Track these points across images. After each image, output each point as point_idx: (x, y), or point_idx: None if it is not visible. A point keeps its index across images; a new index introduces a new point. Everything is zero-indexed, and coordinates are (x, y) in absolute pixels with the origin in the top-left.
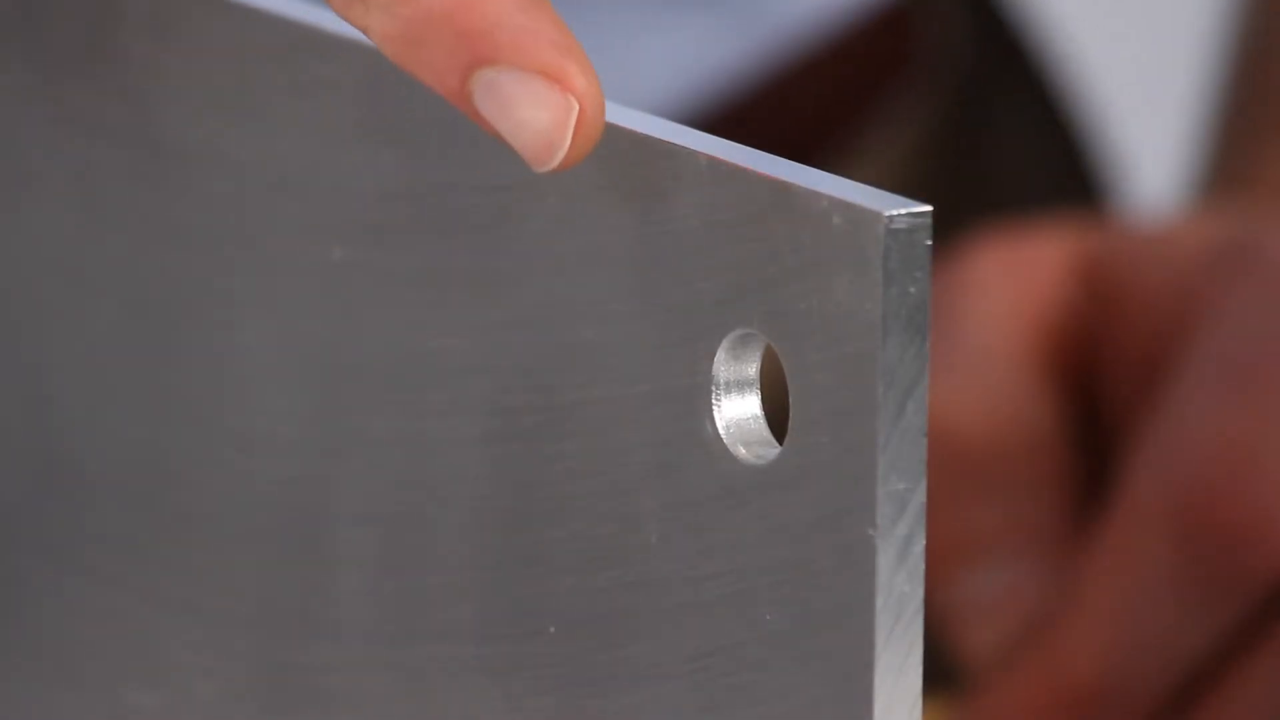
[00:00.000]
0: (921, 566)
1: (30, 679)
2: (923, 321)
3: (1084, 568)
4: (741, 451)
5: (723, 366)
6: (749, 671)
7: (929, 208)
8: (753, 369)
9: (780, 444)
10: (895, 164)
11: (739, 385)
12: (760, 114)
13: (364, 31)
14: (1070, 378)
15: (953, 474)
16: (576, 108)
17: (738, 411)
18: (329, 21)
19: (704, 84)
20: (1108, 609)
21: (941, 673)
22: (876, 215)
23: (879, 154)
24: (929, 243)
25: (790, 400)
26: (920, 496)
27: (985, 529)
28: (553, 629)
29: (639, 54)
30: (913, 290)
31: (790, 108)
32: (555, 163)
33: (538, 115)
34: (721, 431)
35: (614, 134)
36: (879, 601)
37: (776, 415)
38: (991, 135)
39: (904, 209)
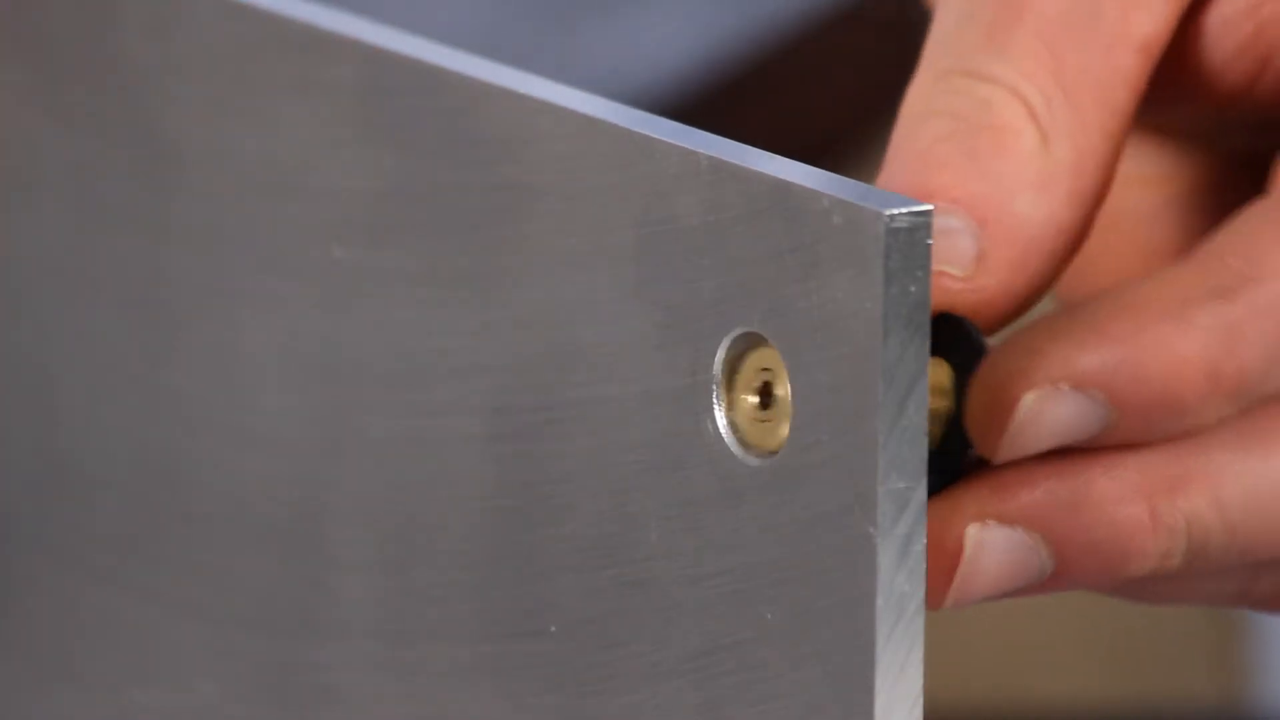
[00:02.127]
0: (922, 566)
1: (30, 679)
2: (923, 320)
3: None
4: (741, 451)
5: (723, 366)
6: (749, 671)
7: (929, 206)
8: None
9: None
10: None
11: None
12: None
13: None
14: None
15: None
16: None
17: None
18: (329, 21)
19: (710, 63)
20: None
21: None
22: (876, 214)
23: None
24: (929, 242)
25: (790, 400)
26: (920, 495)
27: None
28: (553, 629)
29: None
30: (913, 289)
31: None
32: None
33: None
34: (722, 431)
35: (614, 134)
36: (879, 601)
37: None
38: None
39: (904, 208)
